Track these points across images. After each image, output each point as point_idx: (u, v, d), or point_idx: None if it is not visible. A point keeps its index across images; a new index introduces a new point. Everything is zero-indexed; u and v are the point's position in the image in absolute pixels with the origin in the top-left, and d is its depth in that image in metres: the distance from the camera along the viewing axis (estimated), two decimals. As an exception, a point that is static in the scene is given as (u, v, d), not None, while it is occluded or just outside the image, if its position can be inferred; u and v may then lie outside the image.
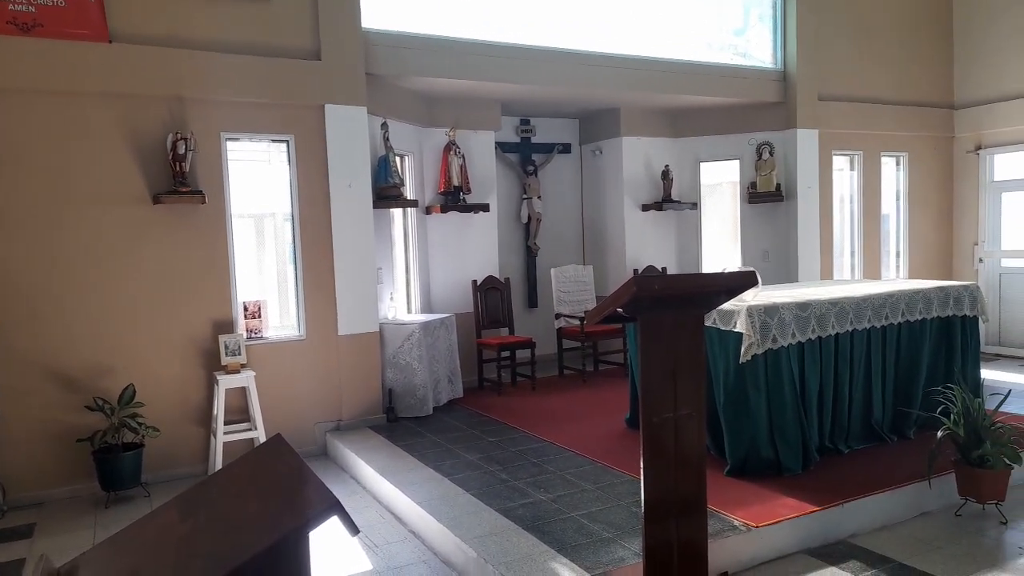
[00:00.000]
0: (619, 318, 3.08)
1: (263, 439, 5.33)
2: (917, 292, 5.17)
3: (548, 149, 8.48)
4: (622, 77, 7.16)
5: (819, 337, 4.62)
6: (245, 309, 5.59)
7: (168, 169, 5.14)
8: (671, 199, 8.23)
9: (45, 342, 4.91)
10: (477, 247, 7.41)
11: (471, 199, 7.19)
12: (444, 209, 6.99)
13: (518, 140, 8.33)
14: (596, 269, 8.22)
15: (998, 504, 4.08)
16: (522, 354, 7.21)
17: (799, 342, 4.52)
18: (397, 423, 6.00)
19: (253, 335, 5.59)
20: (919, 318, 5.14)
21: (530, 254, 8.37)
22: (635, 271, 7.99)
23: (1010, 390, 4.71)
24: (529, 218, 8.27)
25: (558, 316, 7.58)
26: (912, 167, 8.89)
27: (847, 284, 6.03)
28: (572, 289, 7.76)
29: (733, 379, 4.45)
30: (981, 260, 8.89)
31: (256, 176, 5.80)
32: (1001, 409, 4.26)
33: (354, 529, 1.59)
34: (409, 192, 6.88)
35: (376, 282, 6.11)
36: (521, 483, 4.45)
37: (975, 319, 5.47)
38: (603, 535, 3.63)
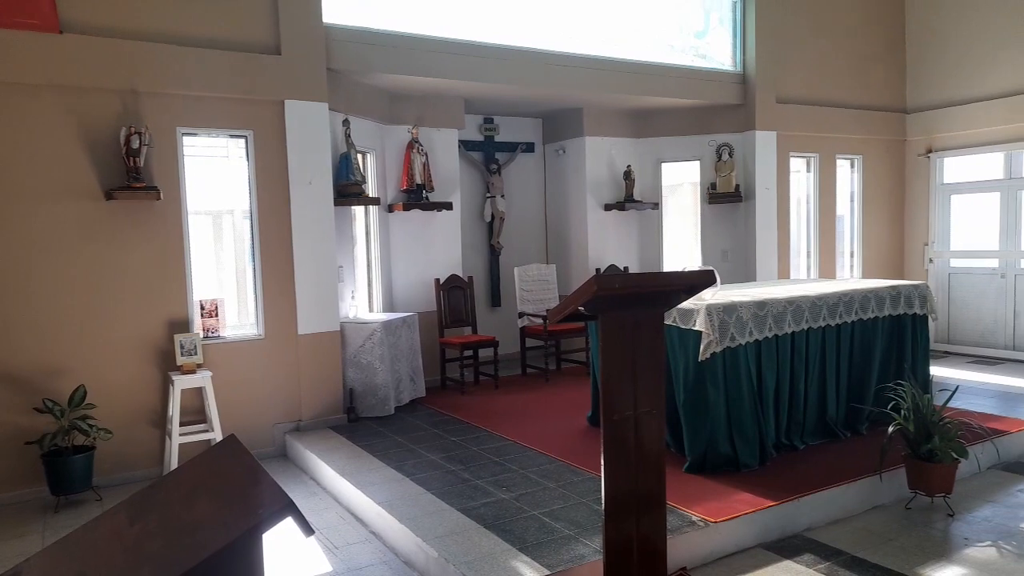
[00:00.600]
0: (581, 317, 3.09)
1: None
2: (870, 291, 5.30)
3: (512, 148, 8.48)
4: (585, 77, 7.20)
5: (776, 335, 4.71)
6: (202, 308, 5.48)
7: (121, 164, 5.00)
8: (633, 199, 8.31)
9: (-9, 342, 4.75)
10: (440, 246, 7.38)
11: (434, 197, 7.16)
12: (407, 207, 6.94)
13: (482, 139, 8.32)
14: (559, 268, 8.26)
15: (946, 497, 4.20)
16: (485, 353, 7.21)
17: (757, 340, 4.60)
18: (358, 423, 5.94)
19: (210, 334, 5.48)
20: (872, 316, 5.28)
21: (493, 253, 8.37)
22: (597, 270, 8.04)
23: (957, 386, 4.87)
24: (492, 217, 8.26)
25: (521, 315, 7.59)
26: (866, 169, 9.12)
27: (803, 283, 6.15)
28: (535, 288, 7.78)
29: (692, 377, 4.51)
30: (931, 260, 9.16)
31: (213, 172, 5.69)
32: (949, 405, 4.39)
33: (308, 530, 1.57)
34: (371, 190, 6.81)
35: (337, 280, 6.04)
36: (483, 482, 4.44)
37: (925, 318, 5.63)
38: (564, 533, 3.65)
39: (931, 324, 5.78)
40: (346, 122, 6.20)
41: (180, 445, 5.12)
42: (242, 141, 5.61)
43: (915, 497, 4.27)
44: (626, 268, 8.31)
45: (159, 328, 5.26)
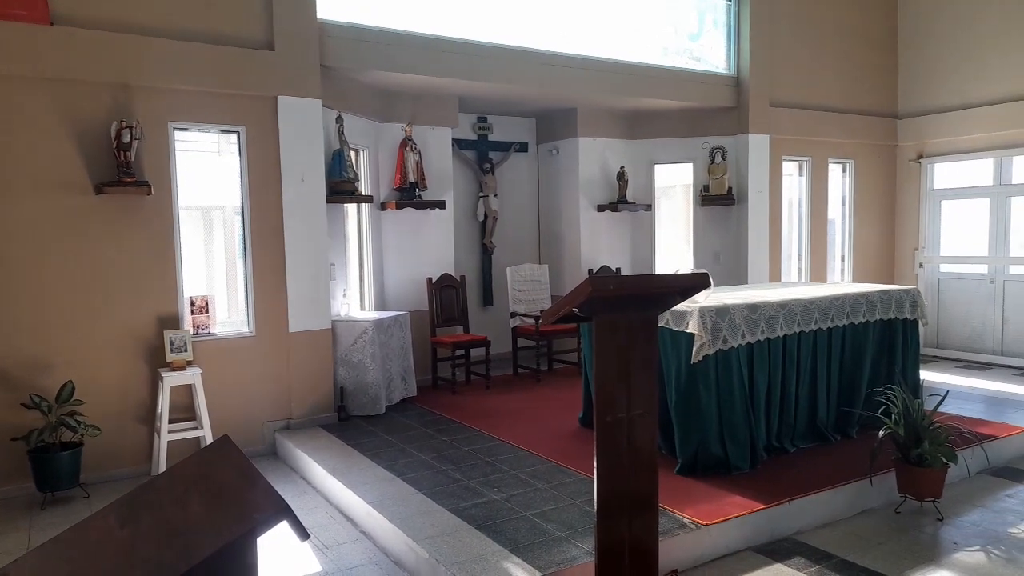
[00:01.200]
0: (575, 318, 3.08)
1: (209, 438, 5.19)
2: (861, 295, 5.32)
3: (505, 147, 8.47)
4: (580, 78, 7.20)
5: (768, 338, 4.72)
6: (192, 304, 5.43)
7: (112, 158, 4.95)
8: (626, 200, 8.31)
9: (-23, 337, 4.70)
10: (432, 244, 7.36)
11: (427, 196, 7.13)
12: (399, 205, 6.91)
13: (475, 138, 8.30)
14: (551, 268, 8.25)
15: (935, 501, 4.22)
16: (476, 353, 7.19)
17: (749, 343, 4.61)
18: (349, 422, 5.91)
19: (200, 331, 5.44)
20: (863, 321, 5.30)
21: (486, 252, 8.35)
22: (590, 271, 8.03)
23: (947, 391, 4.89)
24: (485, 216, 8.24)
25: (513, 315, 7.58)
26: (858, 174, 9.16)
27: (795, 287, 6.17)
28: (527, 288, 7.77)
29: (685, 379, 4.51)
30: (921, 265, 9.21)
31: (205, 167, 5.65)
32: (939, 410, 4.41)
33: (304, 534, 1.55)
34: (364, 187, 6.78)
35: (329, 278, 6.01)
36: (474, 482, 4.43)
37: (915, 322, 5.66)
38: (556, 534, 3.64)
39: (921, 328, 5.81)
40: (339, 119, 6.17)
41: (169, 443, 5.09)
42: (234, 136, 5.56)
43: (905, 501, 4.29)
44: (618, 269, 8.32)
45: (149, 324, 5.22)
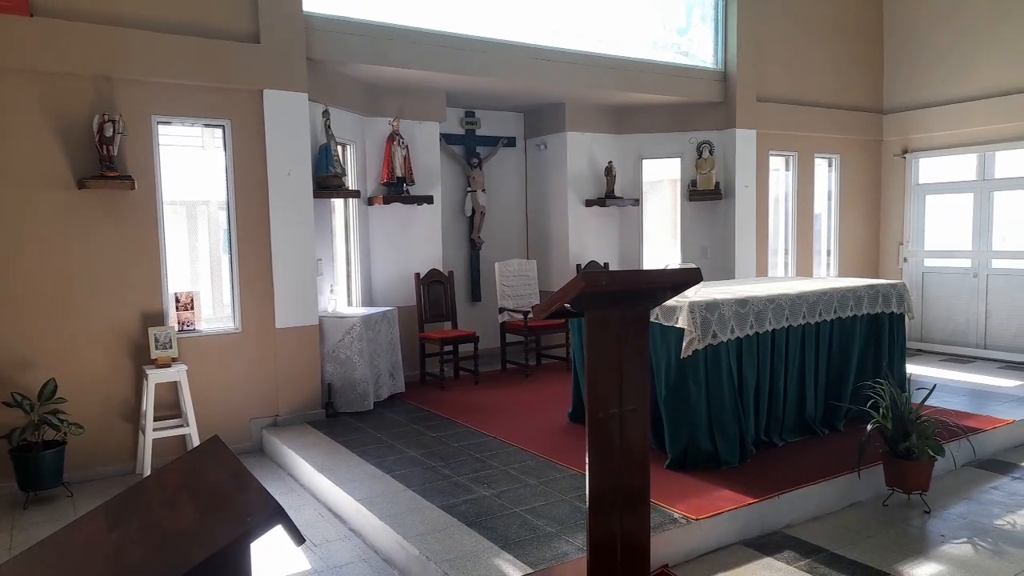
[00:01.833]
0: (566, 313, 3.07)
1: (195, 436, 5.14)
2: (849, 290, 5.35)
3: (493, 142, 8.43)
4: (567, 72, 7.17)
5: (757, 333, 4.73)
6: (177, 300, 5.37)
7: (94, 152, 4.87)
8: (614, 195, 8.30)
9: (-44, 334, 4.61)
10: (420, 239, 7.31)
11: (414, 191, 7.09)
12: (387, 200, 6.86)
13: (463, 132, 8.25)
14: (540, 263, 8.24)
15: (922, 494, 4.26)
16: (465, 348, 7.16)
17: (738, 338, 4.62)
18: (337, 418, 5.87)
19: (185, 327, 5.37)
20: (850, 315, 5.32)
21: (474, 247, 8.32)
22: (578, 266, 8.03)
23: (935, 385, 4.93)
24: (473, 211, 8.21)
25: (502, 310, 7.56)
26: (843, 169, 9.21)
27: (783, 281, 6.19)
28: (516, 283, 7.75)
29: (674, 374, 4.52)
30: (906, 259, 9.29)
31: (189, 162, 5.57)
32: (926, 403, 4.44)
33: (299, 539, 1.52)
34: (351, 182, 6.73)
35: (316, 274, 5.95)
36: (464, 479, 4.41)
37: (902, 316, 5.70)
38: (546, 530, 3.63)
39: (907, 323, 5.85)
40: (326, 113, 6.10)
41: (154, 441, 5.02)
42: (219, 131, 5.49)
43: (892, 494, 4.33)
44: (606, 264, 8.32)
45: (133, 321, 5.15)
